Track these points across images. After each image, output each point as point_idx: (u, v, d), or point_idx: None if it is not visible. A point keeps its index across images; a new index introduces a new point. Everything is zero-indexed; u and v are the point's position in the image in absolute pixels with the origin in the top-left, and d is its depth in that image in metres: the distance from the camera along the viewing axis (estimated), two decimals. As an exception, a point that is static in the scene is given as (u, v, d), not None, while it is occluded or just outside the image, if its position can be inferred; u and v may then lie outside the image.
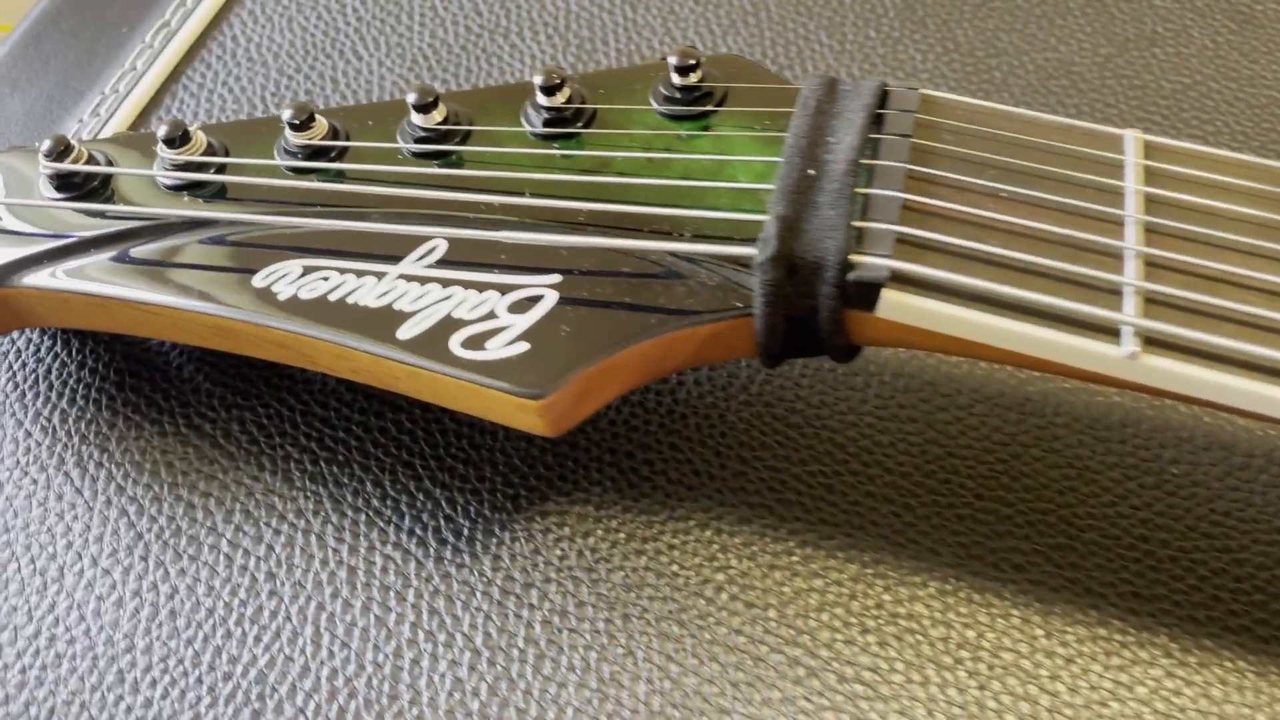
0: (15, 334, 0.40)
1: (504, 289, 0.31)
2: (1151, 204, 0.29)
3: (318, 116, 0.34)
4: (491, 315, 0.30)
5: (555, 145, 0.34)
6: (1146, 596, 0.32)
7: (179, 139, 0.34)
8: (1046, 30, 0.46)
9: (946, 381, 0.37)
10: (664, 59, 0.34)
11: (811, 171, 0.29)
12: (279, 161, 0.34)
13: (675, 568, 0.34)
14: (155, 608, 0.34)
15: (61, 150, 0.35)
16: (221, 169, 0.35)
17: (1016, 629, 0.32)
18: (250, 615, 0.34)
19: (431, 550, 0.34)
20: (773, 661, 0.32)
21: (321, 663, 0.33)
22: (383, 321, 0.31)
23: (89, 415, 0.38)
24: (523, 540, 0.34)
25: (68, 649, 0.34)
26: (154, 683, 0.33)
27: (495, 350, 0.30)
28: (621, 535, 0.34)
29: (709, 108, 0.33)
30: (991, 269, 0.28)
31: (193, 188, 0.35)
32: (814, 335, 0.29)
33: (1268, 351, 0.26)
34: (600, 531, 0.35)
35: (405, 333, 0.31)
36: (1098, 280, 0.27)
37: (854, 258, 0.28)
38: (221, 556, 0.35)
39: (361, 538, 0.35)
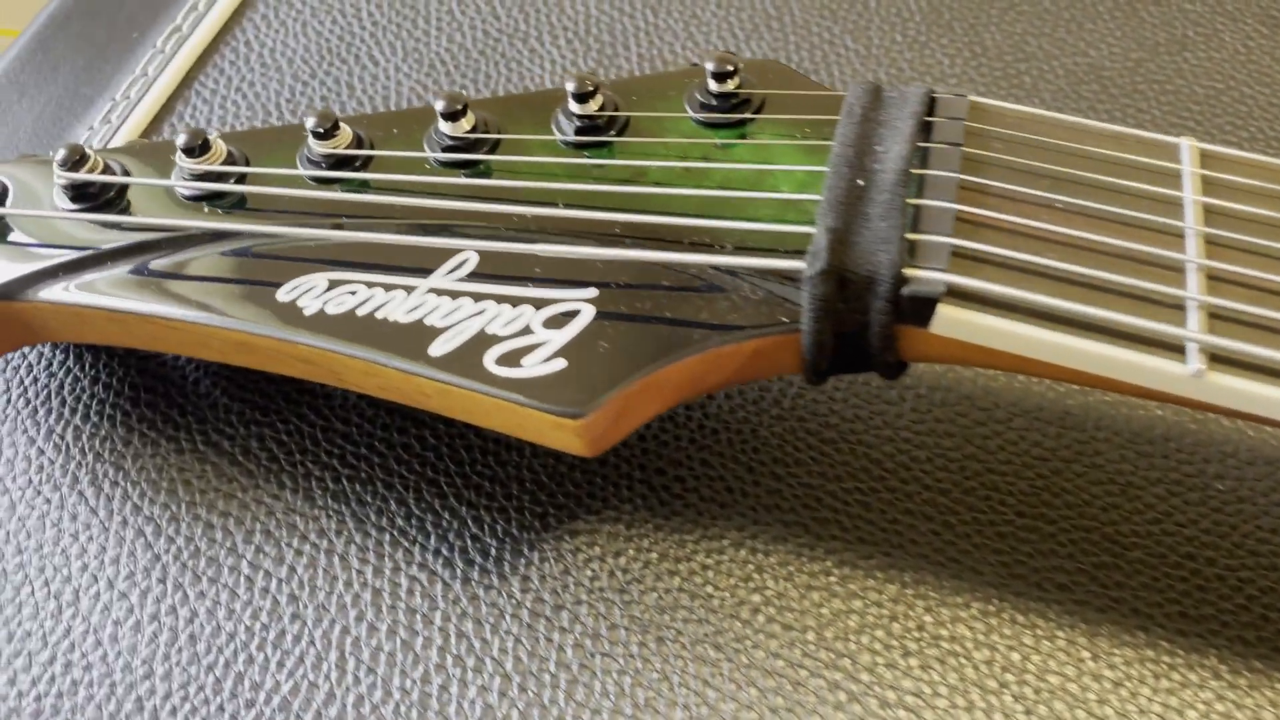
0: (26, 348, 0.39)
1: (539, 303, 0.30)
2: (1210, 215, 0.28)
3: (342, 124, 0.33)
4: (527, 331, 0.29)
5: (587, 154, 0.33)
6: (1194, 616, 0.31)
7: (199, 148, 0.33)
8: (1075, 34, 0.45)
9: (984, 395, 0.36)
10: (693, 65, 0.33)
11: (860, 182, 0.29)
12: (301, 171, 0.33)
13: (710, 589, 0.33)
14: (174, 632, 0.33)
15: (77, 160, 0.33)
16: (242, 179, 0.34)
17: (1062, 651, 0.31)
18: (273, 640, 0.33)
19: (459, 571, 0.33)
20: (813, 686, 0.31)
21: (347, 689, 0.32)
22: (414, 337, 0.30)
23: (103, 432, 0.37)
24: (552, 560, 0.33)
25: (84, 676, 0.33)
26: (174, 710, 0.32)
27: (532, 367, 0.29)
28: (654, 555, 0.33)
29: (746, 115, 0.32)
30: (1050, 283, 0.27)
31: (212, 198, 0.34)
32: (863, 352, 0.29)
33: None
34: (632, 551, 0.34)
35: (438, 349, 0.30)
36: (1160, 295, 0.27)
37: (908, 271, 0.27)
38: (242, 578, 0.34)
39: (386, 558, 0.34)
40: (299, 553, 0.34)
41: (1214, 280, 0.27)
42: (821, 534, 0.33)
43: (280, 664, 0.32)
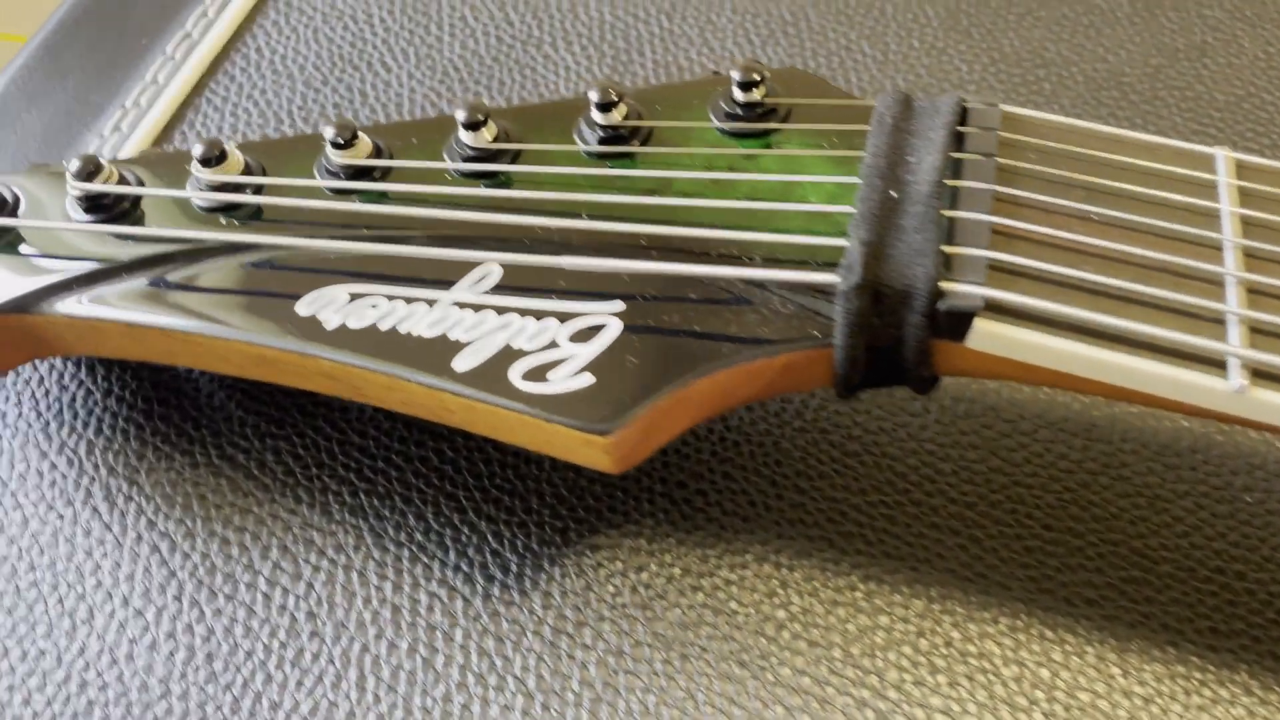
0: (37, 360, 0.38)
1: (564, 317, 0.29)
2: (1249, 227, 0.28)
3: (361, 134, 0.33)
4: (553, 345, 0.29)
5: (610, 165, 0.32)
6: (1225, 632, 0.31)
7: (215, 158, 0.33)
8: (1094, 40, 0.45)
9: (1009, 406, 0.35)
10: (714, 73, 0.33)
11: (893, 193, 0.28)
12: (320, 182, 0.33)
13: (734, 604, 0.32)
14: (191, 650, 0.33)
15: (91, 170, 0.33)
16: (259, 190, 0.33)
17: (1092, 667, 0.31)
18: (291, 658, 0.32)
19: (479, 587, 0.33)
20: (840, 704, 0.31)
21: (367, 708, 0.31)
22: (437, 352, 0.29)
23: (116, 446, 0.36)
24: (573, 576, 0.33)
25: (99, 695, 0.32)
26: (192, 730, 0.31)
27: (559, 382, 0.28)
28: (676, 570, 0.33)
29: (773, 125, 0.32)
30: (1088, 297, 0.26)
31: (229, 209, 0.33)
32: (897, 366, 0.28)
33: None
34: (654, 566, 0.33)
35: (462, 364, 0.29)
36: (1200, 309, 0.26)
37: (944, 285, 0.27)
38: (259, 595, 0.33)
39: (405, 574, 0.33)
40: (317, 569, 0.34)
41: (1254, 294, 0.27)
42: (846, 548, 0.33)
43: (299, 683, 0.32)
